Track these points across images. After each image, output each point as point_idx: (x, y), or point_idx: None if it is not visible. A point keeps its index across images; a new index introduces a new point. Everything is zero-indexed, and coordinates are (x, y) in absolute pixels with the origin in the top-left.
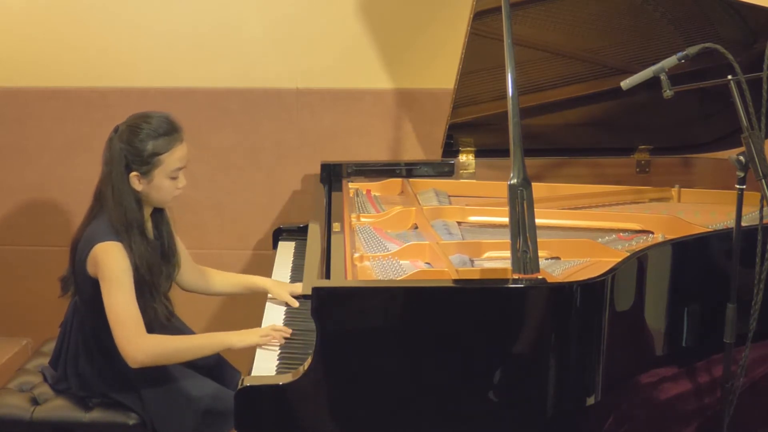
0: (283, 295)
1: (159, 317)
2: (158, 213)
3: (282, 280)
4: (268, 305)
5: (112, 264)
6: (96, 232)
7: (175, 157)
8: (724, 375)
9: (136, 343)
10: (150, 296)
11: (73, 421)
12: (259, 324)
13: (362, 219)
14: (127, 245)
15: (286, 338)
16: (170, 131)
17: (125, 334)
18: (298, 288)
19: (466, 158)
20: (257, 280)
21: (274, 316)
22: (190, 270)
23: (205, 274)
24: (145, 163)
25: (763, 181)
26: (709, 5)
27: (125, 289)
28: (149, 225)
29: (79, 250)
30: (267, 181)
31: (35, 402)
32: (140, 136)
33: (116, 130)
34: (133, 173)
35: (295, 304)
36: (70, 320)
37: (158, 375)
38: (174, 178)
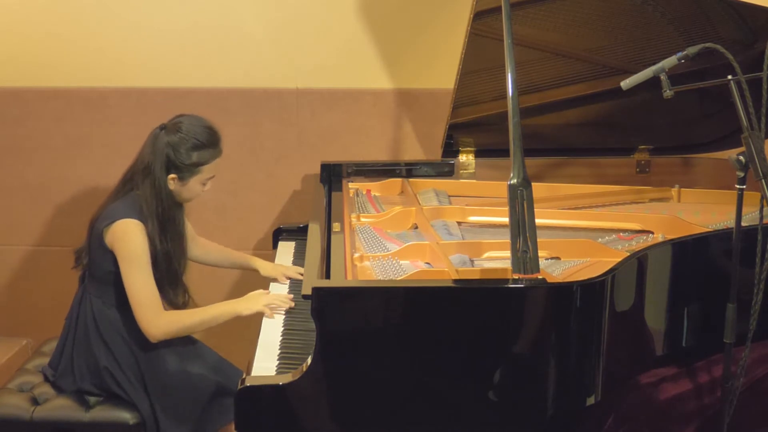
0: (271, 272)
1: (178, 305)
2: (178, 207)
3: (278, 283)
4: (272, 287)
5: (133, 242)
6: (120, 209)
7: (213, 167)
8: (724, 375)
9: (155, 321)
10: (171, 287)
11: (73, 421)
12: (256, 330)
13: (362, 219)
14: (156, 233)
15: (285, 338)
16: (214, 143)
17: (145, 313)
18: (290, 270)
19: (466, 158)
20: (249, 260)
21: None
22: (198, 245)
23: (214, 249)
24: (187, 171)
25: (763, 181)
26: (709, 5)
27: (144, 269)
28: (176, 218)
29: (99, 222)
30: (267, 181)
31: (35, 402)
32: (188, 145)
33: (162, 128)
34: (172, 176)
35: (284, 281)
36: (77, 307)
37: (162, 365)
38: (204, 184)
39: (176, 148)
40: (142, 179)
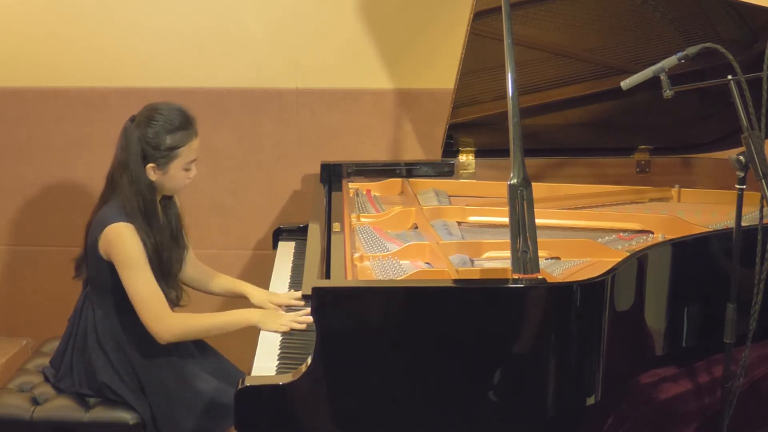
0: (264, 302)
1: (173, 300)
2: (167, 199)
3: (279, 283)
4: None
5: (127, 245)
6: (108, 214)
7: (191, 149)
8: (724, 375)
9: (164, 322)
10: (164, 281)
11: (73, 421)
12: (256, 330)
13: (362, 219)
14: (144, 230)
15: (285, 338)
16: (187, 125)
17: (152, 314)
18: (280, 297)
19: (466, 158)
20: (240, 286)
21: None
22: (191, 264)
23: (204, 272)
24: (163, 156)
25: (763, 181)
26: (709, 5)
27: (143, 270)
28: (159, 210)
29: (91, 232)
30: (267, 181)
31: (35, 402)
32: (157, 129)
33: (132, 119)
34: (150, 165)
35: (272, 308)
36: (79, 312)
37: (162, 369)
38: (187, 170)
39: (149, 136)
40: (120, 177)
